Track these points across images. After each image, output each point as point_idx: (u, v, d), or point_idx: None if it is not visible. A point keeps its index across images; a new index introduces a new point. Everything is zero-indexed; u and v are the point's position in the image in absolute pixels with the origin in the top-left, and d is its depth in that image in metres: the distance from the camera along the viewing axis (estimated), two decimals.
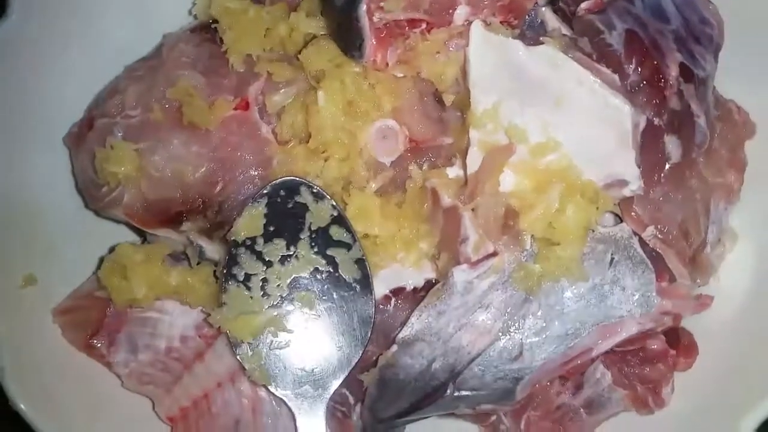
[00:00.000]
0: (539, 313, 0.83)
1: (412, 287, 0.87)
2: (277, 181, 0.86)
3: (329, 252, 0.85)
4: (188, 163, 0.88)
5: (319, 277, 0.86)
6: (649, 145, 0.82)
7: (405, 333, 0.84)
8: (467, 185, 0.86)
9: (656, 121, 0.82)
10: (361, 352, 0.85)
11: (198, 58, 0.94)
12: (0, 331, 0.85)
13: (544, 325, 0.83)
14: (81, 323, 0.93)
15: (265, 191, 0.85)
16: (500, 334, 0.83)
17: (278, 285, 0.85)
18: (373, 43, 0.84)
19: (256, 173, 0.88)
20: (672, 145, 0.84)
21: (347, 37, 0.85)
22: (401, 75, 0.88)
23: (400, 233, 0.88)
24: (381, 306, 0.87)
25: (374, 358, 0.87)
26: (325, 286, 0.86)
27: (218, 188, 0.87)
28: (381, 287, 0.87)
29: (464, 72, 0.85)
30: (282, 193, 0.85)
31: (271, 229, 0.85)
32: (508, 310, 0.83)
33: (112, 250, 0.92)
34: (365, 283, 0.86)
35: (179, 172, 0.87)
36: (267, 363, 0.84)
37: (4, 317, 0.87)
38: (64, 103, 0.99)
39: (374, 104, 0.88)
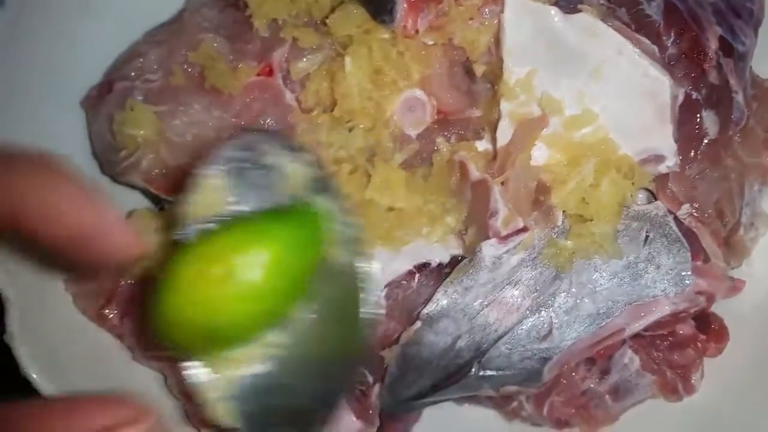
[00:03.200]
0: (570, 291, 0.80)
1: (437, 263, 0.84)
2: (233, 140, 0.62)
3: None
4: (210, 128, 0.85)
5: None
6: (686, 120, 0.80)
7: (430, 308, 0.81)
8: (497, 159, 0.83)
9: (694, 95, 0.80)
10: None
11: (221, 23, 0.92)
12: (9, 294, 0.82)
13: (575, 303, 0.80)
14: (93, 292, 0.90)
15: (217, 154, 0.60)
16: (528, 312, 0.80)
17: None
18: (405, 7, 0.82)
19: None
20: (709, 120, 0.81)
21: (377, 1, 0.83)
22: (431, 42, 0.85)
23: (426, 207, 0.85)
24: (404, 282, 0.84)
25: (396, 335, 0.84)
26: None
27: None
28: (405, 263, 0.84)
29: (497, 40, 0.83)
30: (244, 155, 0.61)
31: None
32: (538, 287, 0.80)
33: (128, 216, 0.89)
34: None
35: (200, 138, 0.85)
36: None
37: (14, 281, 0.83)
38: (82, 69, 0.95)
39: (402, 73, 0.86)
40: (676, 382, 0.87)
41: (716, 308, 0.89)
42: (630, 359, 0.88)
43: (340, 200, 0.63)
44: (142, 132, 0.85)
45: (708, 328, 0.87)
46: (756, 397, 0.85)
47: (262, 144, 0.62)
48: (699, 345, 0.87)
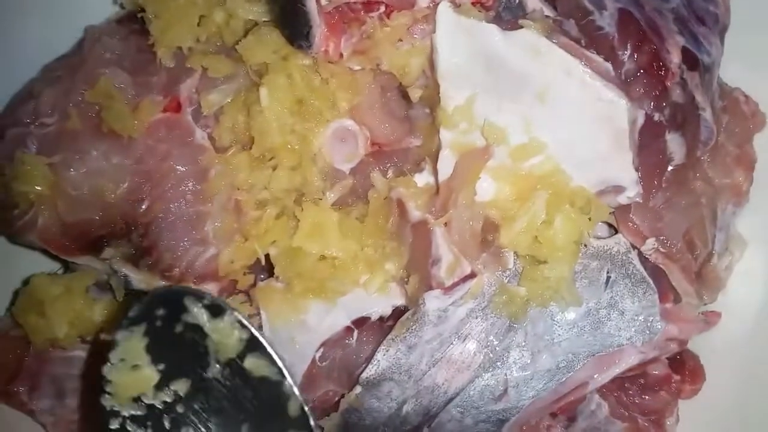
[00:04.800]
0: (525, 344, 0.71)
1: (377, 317, 0.75)
2: (149, 297, 0.61)
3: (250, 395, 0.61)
4: (109, 178, 0.75)
5: None
6: (648, 145, 0.71)
7: (370, 371, 0.72)
8: (439, 195, 0.74)
9: (656, 116, 0.70)
10: None
11: (124, 53, 0.82)
12: None
13: (532, 357, 0.71)
14: None
15: (132, 314, 0.60)
16: (481, 369, 0.71)
17: None
18: (324, 31, 0.72)
19: (189, 187, 0.75)
20: (675, 143, 0.72)
21: (293, 24, 0.73)
22: (358, 67, 0.75)
23: (363, 253, 0.76)
24: (342, 340, 0.75)
25: (336, 399, 0.75)
26: None
27: (144, 207, 0.75)
28: (342, 317, 0.75)
29: (432, 63, 0.73)
30: (161, 312, 0.60)
31: (160, 369, 0.60)
32: (490, 341, 0.72)
33: (27, 282, 0.79)
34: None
35: (99, 190, 0.75)
36: None
37: None
38: None
39: (328, 102, 0.76)
40: (648, 429, 0.79)
41: (690, 343, 0.80)
42: (598, 405, 0.80)
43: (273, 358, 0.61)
44: (35, 187, 0.76)
45: (682, 367, 0.79)
46: None
47: (179, 300, 0.60)
48: (672, 386, 0.79)
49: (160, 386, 0.60)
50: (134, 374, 0.59)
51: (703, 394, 0.80)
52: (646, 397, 0.79)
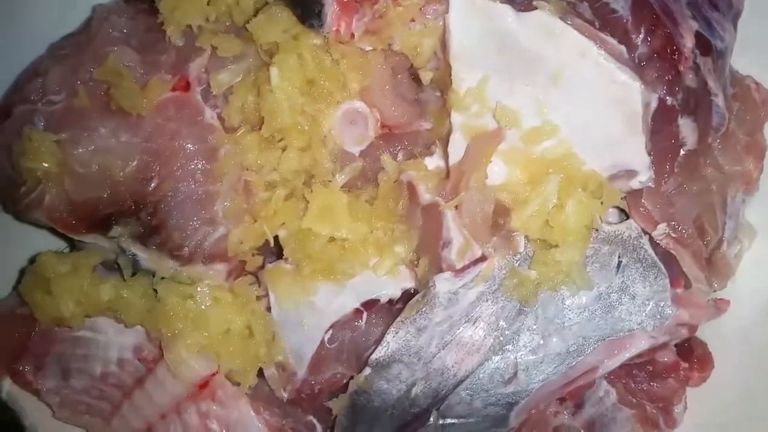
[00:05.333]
0: (536, 328, 0.71)
1: (387, 299, 0.75)
2: None
3: None
4: (117, 155, 0.74)
5: None
6: (660, 130, 0.70)
7: (380, 353, 0.71)
8: (449, 178, 0.73)
9: (669, 100, 0.70)
10: None
11: (132, 31, 0.81)
12: None
13: (542, 341, 0.71)
14: (2, 346, 0.81)
15: None
16: (491, 352, 0.71)
17: None
18: (335, 10, 0.71)
19: (198, 166, 0.75)
20: (687, 128, 0.72)
21: (304, 3, 0.72)
22: (370, 48, 0.75)
23: (372, 235, 0.75)
24: (351, 322, 0.74)
25: (344, 381, 0.75)
26: None
27: (153, 185, 0.74)
28: (351, 299, 0.75)
29: (444, 43, 0.72)
30: None
31: None
32: (500, 324, 0.71)
33: (33, 260, 0.79)
34: None
35: (107, 167, 0.74)
36: None
37: None
38: None
39: (339, 83, 0.76)
40: (656, 416, 0.79)
41: (698, 331, 0.80)
42: (606, 392, 0.79)
43: None
44: (42, 164, 0.75)
45: (690, 354, 0.79)
46: (744, 429, 0.77)
47: None
48: (681, 374, 0.79)
49: None
50: None
51: (712, 381, 0.80)
52: (655, 384, 0.79)
